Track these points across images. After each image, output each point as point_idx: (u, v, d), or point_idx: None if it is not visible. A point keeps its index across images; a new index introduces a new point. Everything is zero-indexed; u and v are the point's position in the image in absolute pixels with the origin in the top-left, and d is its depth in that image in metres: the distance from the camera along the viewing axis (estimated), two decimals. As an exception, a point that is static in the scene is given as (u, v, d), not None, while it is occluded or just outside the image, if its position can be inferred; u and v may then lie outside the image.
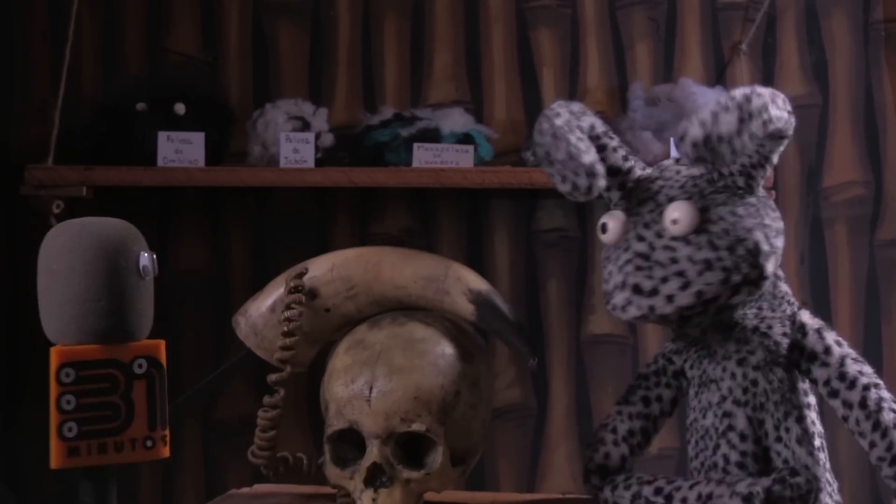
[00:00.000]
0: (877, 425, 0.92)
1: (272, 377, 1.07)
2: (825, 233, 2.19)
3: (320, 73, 2.24)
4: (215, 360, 2.15)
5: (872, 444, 0.93)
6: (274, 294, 1.12)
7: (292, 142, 2.00)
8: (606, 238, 0.98)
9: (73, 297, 0.93)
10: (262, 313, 1.12)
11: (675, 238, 0.93)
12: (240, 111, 2.16)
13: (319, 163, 2.03)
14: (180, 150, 2.00)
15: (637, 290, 0.93)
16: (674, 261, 0.92)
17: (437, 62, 2.24)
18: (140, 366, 0.92)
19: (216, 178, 2.02)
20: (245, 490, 1.23)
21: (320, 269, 1.11)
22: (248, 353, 1.13)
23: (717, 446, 0.98)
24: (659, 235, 0.94)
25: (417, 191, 2.16)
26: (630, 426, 1.03)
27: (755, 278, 0.92)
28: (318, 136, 2.05)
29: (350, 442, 1.02)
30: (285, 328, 1.07)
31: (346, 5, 2.25)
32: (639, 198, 0.99)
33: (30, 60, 2.22)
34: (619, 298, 0.94)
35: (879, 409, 0.93)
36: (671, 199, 0.95)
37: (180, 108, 2.04)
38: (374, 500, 1.00)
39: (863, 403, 0.93)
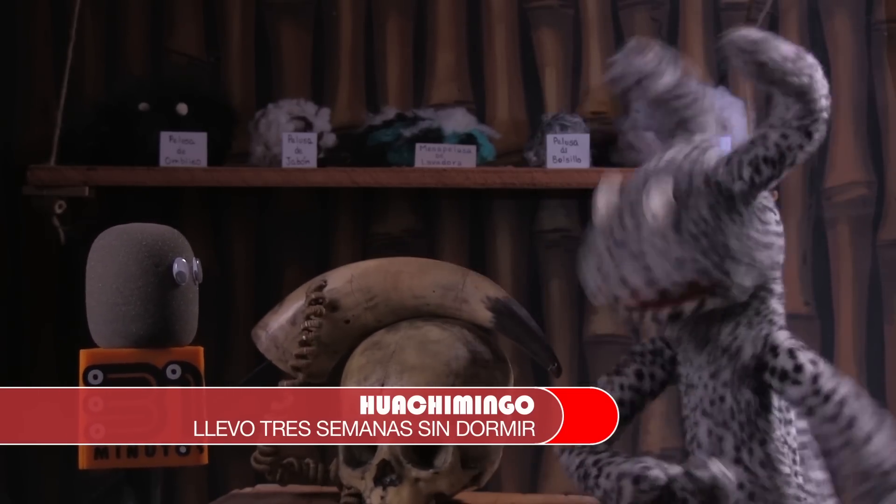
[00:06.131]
0: (848, 442, 0.91)
1: (285, 384, 1.08)
2: (828, 233, 2.19)
3: (323, 73, 2.24)
4: (217, 362, 2.15)
5: (841, 462, 0.92)
6: (294, 306, 1.12)
7: (295, 142, 2.00)
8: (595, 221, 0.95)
9: (107, 300, 0.92)
10: (282, 326, 1.13)
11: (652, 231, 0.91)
12: (242, 111, 2.15)
13: (322, 163, 2.03)
14: (182, 151, 2.00)
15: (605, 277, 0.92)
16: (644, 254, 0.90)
17: (440, 62, 2.24)
18: (174, 371, 0.92)
19: (218, 179, 2.02)
20: (247, 490, 1.23)
21: (339, 280, 1.12)
22: (268, 366, 1.13)
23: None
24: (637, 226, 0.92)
25: (420, 191, 2.15)
26: (620, 396, 1.01)
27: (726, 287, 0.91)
28: (320, 137, 2.05)
29: None
30: (303, 337, 1.08)
31: (348, 5, 2.25)
32: None
33: (32, 60, 2.22)
34: (592, 283, 0.94)
35: (850, 426, 0.90)
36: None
37: (182, 109, 2.04)
38: (382, 497, 1.00)
39: (835, 418, 0.91)
